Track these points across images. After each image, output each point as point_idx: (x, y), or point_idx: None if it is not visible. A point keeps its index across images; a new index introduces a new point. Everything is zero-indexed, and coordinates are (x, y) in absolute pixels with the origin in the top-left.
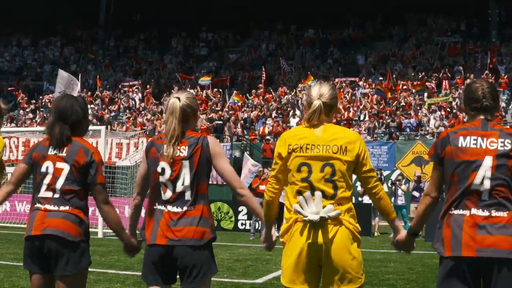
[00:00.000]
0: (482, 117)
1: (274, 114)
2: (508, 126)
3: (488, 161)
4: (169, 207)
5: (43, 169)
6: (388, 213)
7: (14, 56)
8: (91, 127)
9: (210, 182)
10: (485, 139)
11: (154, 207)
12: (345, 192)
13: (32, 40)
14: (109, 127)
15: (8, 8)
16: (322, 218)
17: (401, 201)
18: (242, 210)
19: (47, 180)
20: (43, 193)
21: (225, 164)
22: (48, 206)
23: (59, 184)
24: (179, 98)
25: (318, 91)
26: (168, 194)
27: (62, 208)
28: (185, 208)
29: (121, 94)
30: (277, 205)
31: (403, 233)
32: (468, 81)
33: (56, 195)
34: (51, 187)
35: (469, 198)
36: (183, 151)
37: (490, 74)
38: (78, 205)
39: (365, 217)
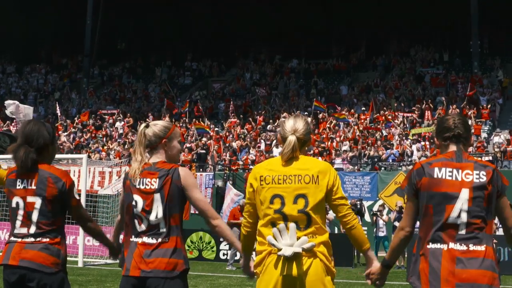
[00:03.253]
0: (454, 148)
1: (257, 143)
2: (490, 157)
3: (464, 194)
4: (144, 238)
5: (13, 205)
6: (361, 243)
7: None
8: (72, 156)
9: (192, 212)
10: (460, 171)
11: (130, 239)
12: (319, 223)
13: (16, 67)
14: (91, 155)
15: None
16: (296, 253)
17: (382, 232)
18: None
19: (20, 216)
20: (19, 229)
21: (198, 195)
22: (25, 239)
23: (34, 218)
24: (147, 126)
25: (292, 126)
26: (143, 226)
27: (38, 239)
28: (159, 240)
29: (105, 122)
30: (254, 238)
31: (376, 265)
32: (450, 111)
33: (32, 230)
34: (25, 223)
35: (446, 232)
36: (154, 183)
37: (472, 105)
38: (54, 236)
39: (346, 247)
